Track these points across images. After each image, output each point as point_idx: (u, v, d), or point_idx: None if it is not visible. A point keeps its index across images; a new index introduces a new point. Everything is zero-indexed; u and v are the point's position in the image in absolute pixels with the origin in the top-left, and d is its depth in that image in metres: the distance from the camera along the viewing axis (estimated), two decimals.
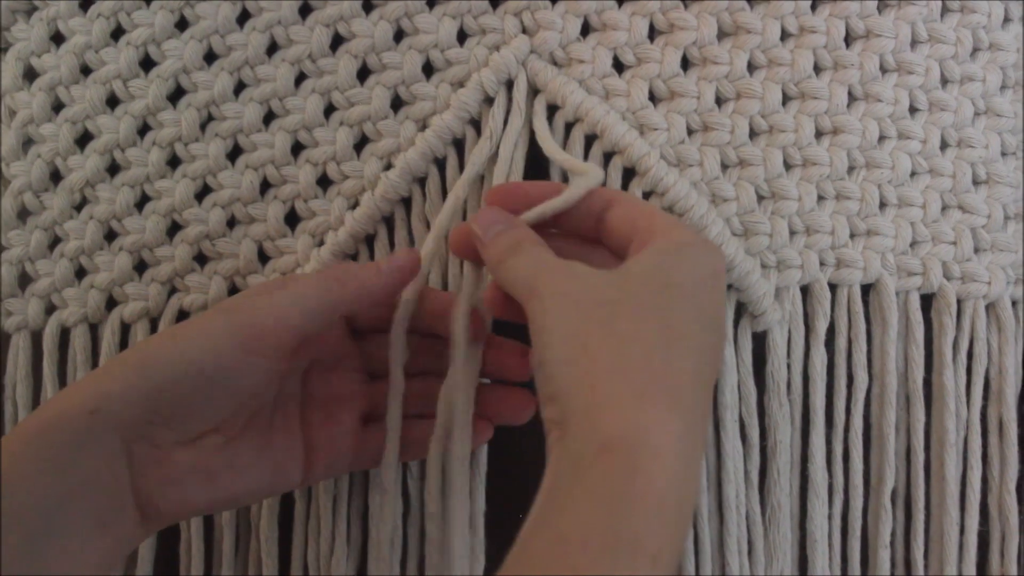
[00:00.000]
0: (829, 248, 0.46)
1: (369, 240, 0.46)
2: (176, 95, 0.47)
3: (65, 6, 0.47)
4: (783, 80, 0.45)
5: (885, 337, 0.46)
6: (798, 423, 0.46)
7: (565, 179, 0.43)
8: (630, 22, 0.45)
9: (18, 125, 0.47)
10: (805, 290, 0.46)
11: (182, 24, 0.46)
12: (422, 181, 0.46)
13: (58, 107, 0.47)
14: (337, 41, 0.46)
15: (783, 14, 0.45)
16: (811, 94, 0.46)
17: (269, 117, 0.47)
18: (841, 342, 0.46)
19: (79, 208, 0.47)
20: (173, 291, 0.47)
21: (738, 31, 0.45)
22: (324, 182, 0.47)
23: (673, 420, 0.31)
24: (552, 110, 0.46)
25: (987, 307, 0.47)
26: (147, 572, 0.47)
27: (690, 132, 0.45)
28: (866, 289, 0.46)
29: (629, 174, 0.45)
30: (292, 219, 0.47)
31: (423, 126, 0.46)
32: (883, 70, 0.46)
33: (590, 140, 0.45)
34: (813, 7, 0.46)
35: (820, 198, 0.46)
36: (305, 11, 0.46)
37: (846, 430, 0.46)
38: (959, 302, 0.46)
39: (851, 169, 0.46)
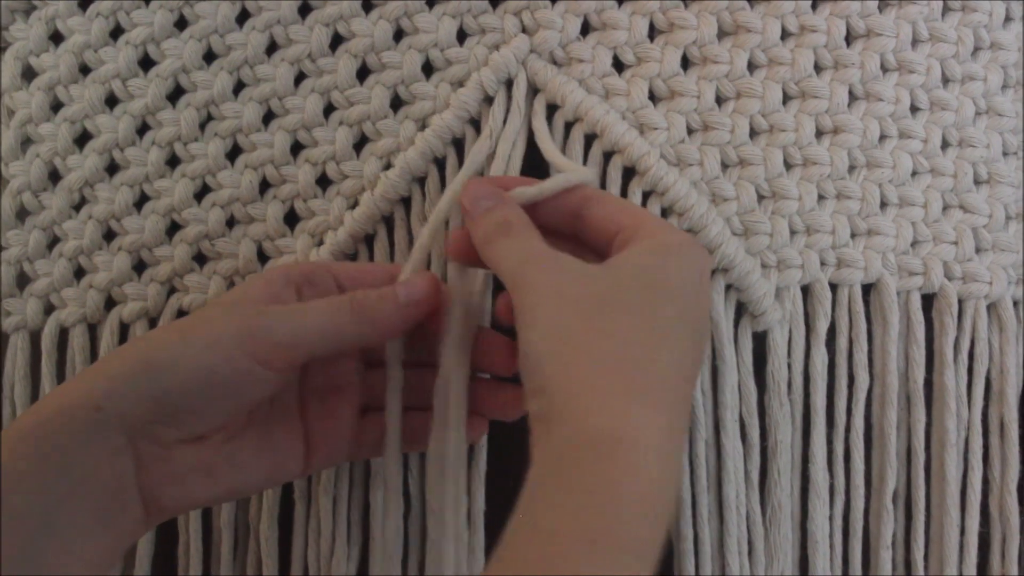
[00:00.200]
0: (830, 248, 0.46)
1: (368, 240, 0.46)
2: (175, 94, 0.46)
3: (64, 5, 0.46)
4: (783, 79, 0.45)
5: (886, 337, 0.46)
6: (799, 423, 0.46)
7: None
8: (630, 21, 0.45)
9: (17, 124, 0.47)
10: (806, 290, 0.46)
11: (181, 23, 0.46)
12: (422, 181, 0.46)
13: (57, 106, 0.47)
14: (337, 40, 0.46)
15: (783, 13, 0.45)
16: (812, 93, 0.45)
17: (268, 117, 0.46)
18: (842, 342, 0.46)
19: (78, 208, 0.47)
20: (172, 291, 0.47)
21: (738, 30, 0.45)
22: (323, 182, 0.47)
23: (655, 416, 0.31)
24: (552, 109, 0.45)
25: (988, 307, 0.47)
26: (145, 572, 0.47)
27: (690, 131, 0.45)
28: (867, 289, 0.46)
29: (629, 173, 0.45)
30: (291, 219, 0.47)
31: (423, 126, 0.46)
32: (884, 69, 0.46)
33: (590, 139, 0.45)
34: (814, 6, 0.46)
35: (821, 198, 0.46)
36: (304, 10, 0.46)
37: (847, 430, 0.46)
38: (960, 302, 0.46)
39: (852, 168, 0.46)
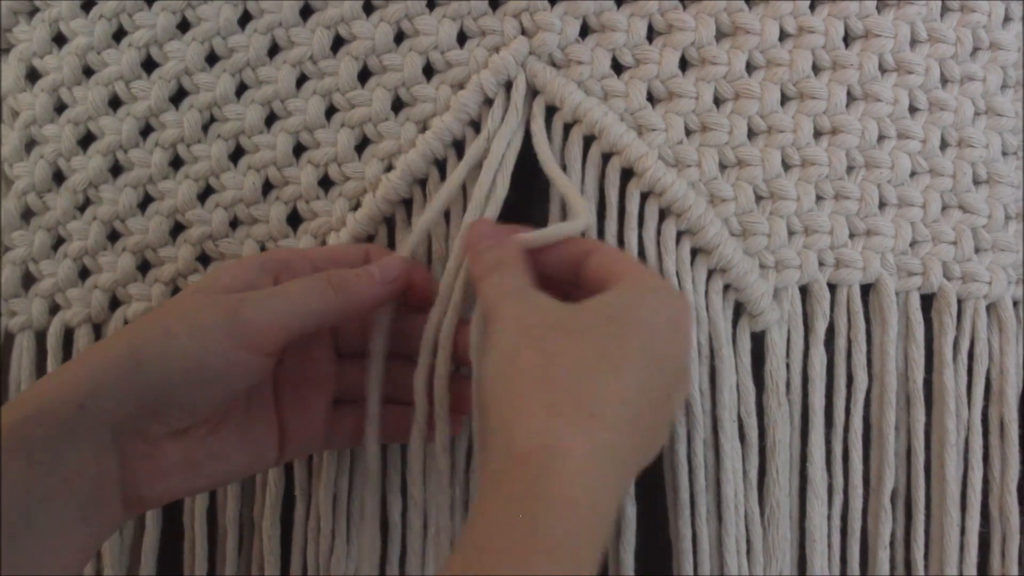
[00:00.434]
0: (828, 248, 0.46)
1: (370, 241, 0.47)
2: (178, 96, 0.47)
3: (67, 7, 0.47)
4: (781, 80, 0.45)
5: (885, 337, 0.46)
6: (797, 423, 0.46)
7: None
8: (628, 23, 0.45)
9: (21, 126, 0.48)
10: (804, 290, 0.46)
11: (184, 26, 0.47)
12: (423, 182, 0.46)
13: (60, 108, 0.47)
14: (338, 43, 0.46)
15: (781, 14, 0.45)
16: (810, 94, 0.45)
17: (271, 118, 0.47)
18: (840, 342, 0.46)
19: (82, 209, 0.48)
20: (176, 291, 0.48)
21: (736, 32, 0.45)
22: (326, 183, 0.47)
23: (588, 432, 0.32)
24: (551, 111, 0.46)
25: (988, 307, 0.47)
26: (151, 572, 0.47)
27: (688, 132, 0.46)
28: (866, 289, 0.46)
29: (627, 175, 0.45)
30: (294, 220, 0.47)
31: (423, 128, 0.46)
32: (882, 70, 0.46)
33: (588, 141, 0.45)
34: (812, 7, 0.46)
35: (819, 198, 0.46)
36: (306, 13, 0.46)
37: (846, 430, 0.46)
38: (959, 302, 0.46)
39: (850, 169, 0.46)
